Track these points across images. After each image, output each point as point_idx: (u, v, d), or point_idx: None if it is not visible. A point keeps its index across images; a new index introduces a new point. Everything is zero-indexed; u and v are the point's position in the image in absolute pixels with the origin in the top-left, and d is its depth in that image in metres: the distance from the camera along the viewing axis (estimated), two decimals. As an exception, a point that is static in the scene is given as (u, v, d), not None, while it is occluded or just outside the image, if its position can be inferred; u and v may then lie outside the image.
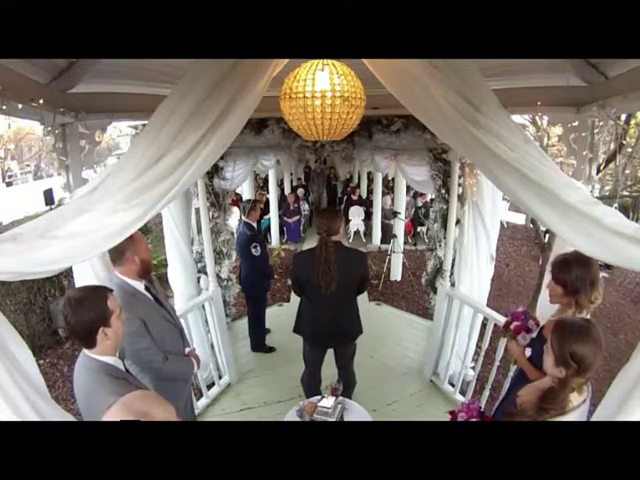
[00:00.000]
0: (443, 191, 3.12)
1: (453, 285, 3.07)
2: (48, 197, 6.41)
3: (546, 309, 1.89)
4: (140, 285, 1.81)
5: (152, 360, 1.76)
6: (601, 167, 4.92)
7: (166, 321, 1.88)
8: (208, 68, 1.21)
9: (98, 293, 1.32)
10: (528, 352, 1.74)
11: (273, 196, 7.58)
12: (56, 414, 1.15)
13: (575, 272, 1.56)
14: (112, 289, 1.39)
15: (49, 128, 1.81)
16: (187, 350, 2.03)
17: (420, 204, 8.23)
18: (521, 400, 1.29)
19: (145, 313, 1.76)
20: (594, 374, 1.24)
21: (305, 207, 9.01)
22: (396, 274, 5.96)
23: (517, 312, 1.82)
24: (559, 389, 1.20)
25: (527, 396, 1.28)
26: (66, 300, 1.27)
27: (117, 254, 1.69)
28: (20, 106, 1.44)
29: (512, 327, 1.79)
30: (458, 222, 3.05)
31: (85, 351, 1.33)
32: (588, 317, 1.55)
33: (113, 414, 0.88)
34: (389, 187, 9.16)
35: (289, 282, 4.97)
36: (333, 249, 2.27)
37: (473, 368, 3.01)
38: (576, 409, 1.22)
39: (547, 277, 1.73)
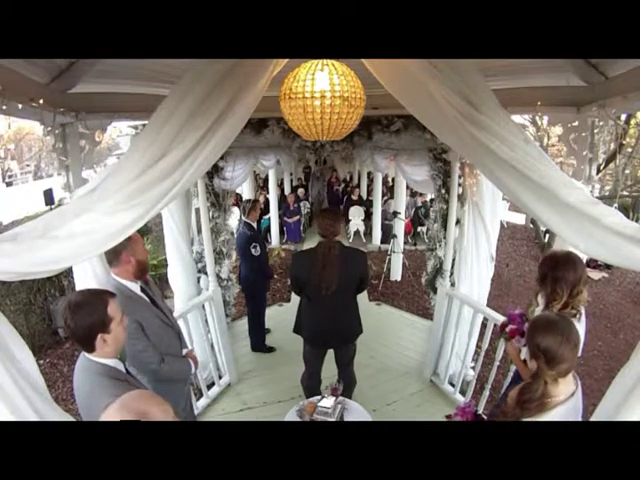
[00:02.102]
0: (443, 191, 3.12)
1: (453, 285, 3.07)
2: (48, 197, 6.39)
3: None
4: (136, 286, 1.81)
5: (149, 362, 1.76)
6: (601, 167, 4.92)
7: (162, 322, 1.87)
8: (208, 68, 1.20)
9: (99, 298, 1.30)
10: (524, 353, 1.75)
11: (273, 196, 7.59)
12: (56, 414, 1.15)
13: (544, 265, 1.68)
14: (114, 294, 1.37)
15: (49, 128, 1.81)
16: (185, 351, 2.03)
17: (420, 204, 8.23)
18: (507, 399, 1.31)
19: (141, 315, 1.76)
20: (571, 367, 1.25)
21: (307, 205, 8.99)
22: (396, 274, 5.96)
23: (514, 314, 1.83)
24: (533, 381, 1.25)
25: (513, 396, 1.29)
26: (66, 303, 1.25)
27: (113, 255, 1.68)
28: (20, 106, 1.44)
29: (507, 330, 1.80)
30: (458, 222, 3.05)
31: (85, 353, 1.32)
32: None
33: (111, 413, 0.88)
34: (388, 187, 9.16)
35: (289, 282, 4.97)
36: (336, 250, 2.28)
37: (473, 368, 3.01)
38: (563, 404, 1.22)
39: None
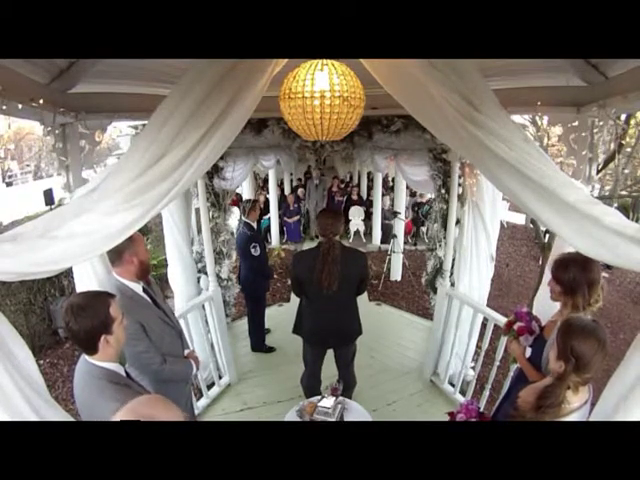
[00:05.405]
0: (443, 191, 3.12)
1: (453, 285, 3.07)
2: (48, 197, 6.38)
3: (542, 308, 1.89)
4: (138, 287, 1.81)
5: (150, 362, 1.76)
6: (600, 167, 4.92)
7: (164, 323, 1.87)
8: (208, 68, 1.20)
9: (101, 300, 1.29)
10: (528, 352, 1.74)
11: (273, 196, 7.58)
12: (56, 414, 1.15)
13: (573, 272, 1.57)
14: (115, 295, 1.37)
15: (49, 128, 1.81)
16: (186, 352, 2.03)
17: (420, 200, 8.22)
18: (522, 401, 1.29)
19: (143, 315, 1.75)
20: (595, 376, 1.24)
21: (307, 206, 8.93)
22: (396, 274, 5.96)
23: (521, 312, 1.80)
24: (556, 384, 1.23)
25: (528, 397, 1.28)
26: (68, 306, 1.24)
27: (116, 255, 1.68)
28: (20, 106, 1.44)
29: (516, 328, 1.78)
30: (458, 222, 3.05)
31: (85, 357, 1.31)
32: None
33: (120, 419, 0.87)
34: (387, 187, 9.15)
35: (289, 282, 4.97)
36: (336, 250, 2.28)
37: (473, 368, 3.01)
38: (576, 411, 1.22)
39: (547, 276, 1.73)
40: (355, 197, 8.84)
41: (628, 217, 1.19)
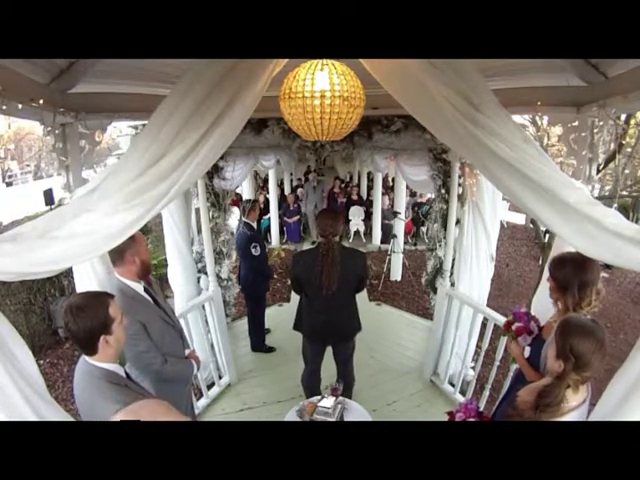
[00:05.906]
0: (443, 191, 3.12)
1: (453, 285, 3.07)
2: (48, 197, 6.39)
3: (541, 308, 1.89)
4: (139, 287, 1.81)
5: (151, 363, 1.75)
6: (600, 167, 4.92)
7: (165, 323, 1.87)
8: (208, 68, 1.21)
9: (100, 300, 1.29)
10: (527, 352, 1.74)
11: (273, 196, 7.59)
12: (56, 414, 1.15)
13: (566, 270, 1.57)
14: (114, 295, 1.36)
15: (49, 128, 1.81)
16: (187, 352, 2.02)
17: (420, 201, 8.22)
18: (520, 400, 1.29)
19: (144, 315, 1.75)
20: (594, 375, 1.24)
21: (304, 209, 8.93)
22: (396, 274, 5.96)
23: (520, 312, 1.80)
24: (555, 383, 1.23)
25: (526, 396, 1.28)
26: (67, 307, 1.24)
27: (117, 255, 1.68)
28: (20, 106, 1.44)
29: (514, 328, 1.78)
30: (458, 222, 3.05)
31: (85, 357, 1.31)
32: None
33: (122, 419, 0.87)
34: (387, 187, 9.15)
35: (289, 282, 4.98)
36: (335, 250, 2.28)
37: (473, 368, 3.01)
38: (575, 410, 1.22)
39: (547, 275, 1.73)
40: (355, 197, 8.84)
41: (628, 217, 1.19)
